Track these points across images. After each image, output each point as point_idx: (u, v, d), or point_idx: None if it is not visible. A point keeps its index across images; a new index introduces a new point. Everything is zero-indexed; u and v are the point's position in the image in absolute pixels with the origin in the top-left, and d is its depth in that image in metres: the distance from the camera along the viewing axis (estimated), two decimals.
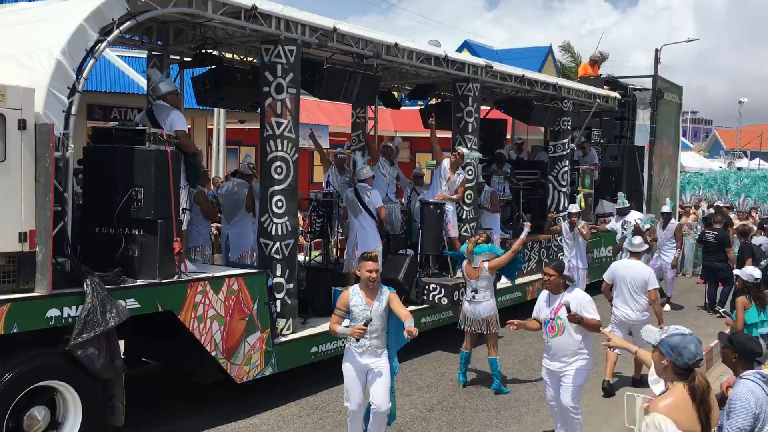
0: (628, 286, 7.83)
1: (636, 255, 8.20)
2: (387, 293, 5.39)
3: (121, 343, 7.20)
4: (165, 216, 5.98)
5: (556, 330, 5.74)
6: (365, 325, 5.17)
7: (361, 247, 8.72)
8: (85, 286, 5.28)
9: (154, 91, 6.99)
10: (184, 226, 6.93)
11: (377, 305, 5.33)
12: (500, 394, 7.61)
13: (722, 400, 5.12)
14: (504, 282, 9.45)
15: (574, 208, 11.13)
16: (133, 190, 5.89)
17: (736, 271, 7.70)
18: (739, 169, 37.90)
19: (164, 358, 7.47)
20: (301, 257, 9.82)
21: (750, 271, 7.39)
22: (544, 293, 6.01)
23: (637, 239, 8.52)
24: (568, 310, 5.58)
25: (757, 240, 12.41)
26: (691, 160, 34.90)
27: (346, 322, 5.38)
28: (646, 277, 7.81)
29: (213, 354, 6.39)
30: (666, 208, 11.98)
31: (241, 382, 6.67)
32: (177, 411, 6.78)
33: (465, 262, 7.80)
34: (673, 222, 12.05)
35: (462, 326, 7.84)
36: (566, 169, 12.37)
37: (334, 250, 10.27)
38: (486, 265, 7.58)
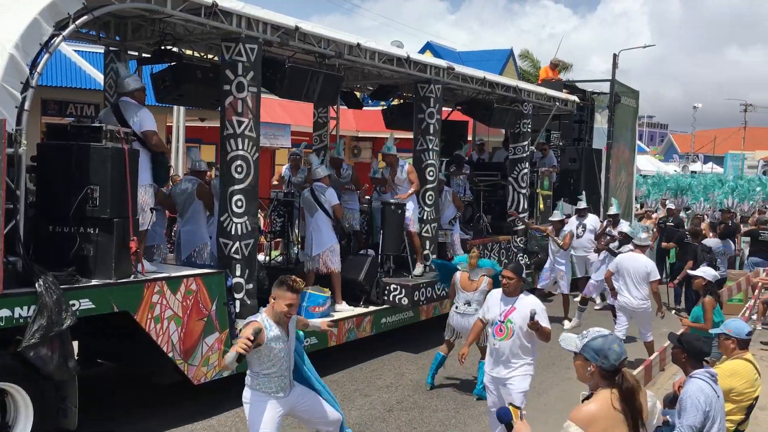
0: (631, 276, 8.67)
1: (641, 248, 8.96)
2: (295, 317, 4.64)
3: (75, 344, 7.08)
4: (121, 215, 5.88)
5: (504, 333, 5.56)
6: (254, 337, 4.18)
7: (316, 246, 8.69)
8: (37, 286, 5.15)
9: (120, 86, 6.85)
10: (148, 226, 6.81)
11: (292, 334, 4.59)
12: (482, 399, 7.54)
13: (674, 399, 5.25)
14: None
15: (556, 216, 11.39)
16: (89, 188, 5.78)
17: (696, 272, 7.87)
18: (693, 172, 38.89)
19: (120, 359, 7.34)
20: (261, 257, 9.76)
21: (712, 272, 7.65)
22: (497, 293, 5.86)
23: (644, 234, 9.22)
24: (532, 317, 5.41)
25: (709, 242, 12.70)
26: (646, 163, 35.68)
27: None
28: (649, 270, 8.67)
29: (170, 355, 6.30)
30: (613, 210, 12.25)
31: (199, 383, 6.59)
32: (133, 413, 6.67)
33: (459, 273, 7.69)
34: (623, 222, 12.29)
35: (450, 337, 7.80)
36: (526, 170, 12.51)
37: (295, 249, 10.22)
38: (486, 279, 7.51)
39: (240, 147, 7.13)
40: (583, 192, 13.00)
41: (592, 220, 12.12)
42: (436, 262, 8.96)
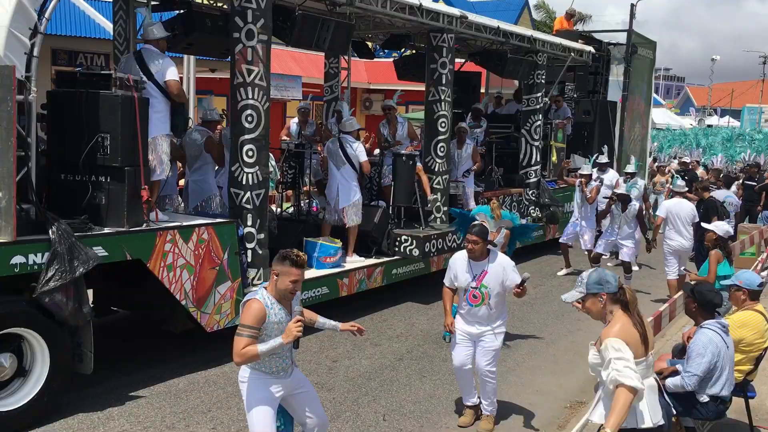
0: (681, 220, 9.45)
1: (680, 194, 9.81)
2: (300, 307, 4.24)
3: (90, 292, 7.18)
4: (132, 163, 5.88)
5: (480, 299, 5.38)
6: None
7: (342, 200, 8.67)
8: (51, 233, 5.19)
9: (145, 33, 6.78)
10: (163, 176, 6.81)
11: (295, 311, 4.18)
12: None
13: (683, 349, 5.27)
14: None
15: (585, 170, 11.33)
16: (99, 137, 5.77)
17: (708, 225, 7.87)
18: (709, 126, 38.35)
19: (134, 307, 7.43)
20: (272, 208, 9.79)
21: (724, 227, 7.63)
22: (462, 258, 5.53)
23: (681, 181, 10.10)
24: (523, 283, 5.31)
25: (717, 194, 12.62)
26: (662, 116, 35.17)
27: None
28: (694, 212, 9.56)
29: (183, 303, 6.37)
30: (630, 168, 12.14)
31: (212, 330, 6.68)
32: (147, 359, 6.78)
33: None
34: (640, 182, 12.17)
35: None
36: (539, 123, 12.37)
37: (306, 201, 10.23)
38: (504, 231, 7.50)
39: (250, 96, 7.06)
40: (605, 146, 12.88)
41: (611, 176, 12.02)
42: (455, 212, 8.90)
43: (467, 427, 5.70)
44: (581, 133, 14.62)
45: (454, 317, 5.70)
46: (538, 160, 12.41)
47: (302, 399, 4.30)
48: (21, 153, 5.20)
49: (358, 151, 8.63)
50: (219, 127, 8.52)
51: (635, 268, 11.54)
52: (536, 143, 12.38)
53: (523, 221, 9.91)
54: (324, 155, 8.95)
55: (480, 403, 5.72)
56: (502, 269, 5.38)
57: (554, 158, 13.13)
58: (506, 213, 7.86)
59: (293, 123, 11.46)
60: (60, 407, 5.48)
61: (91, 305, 6.53)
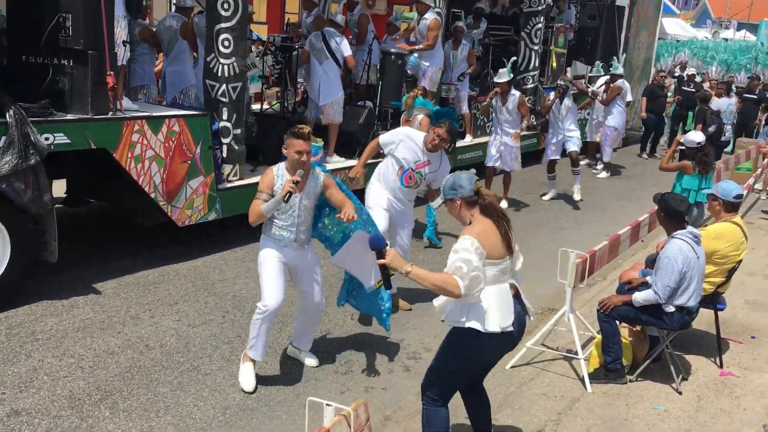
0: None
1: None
2: (322, 176, 4.46)
3: (63, 182, 7.06)
4: (96, 47, 5.59)
5: (413, 182, 5.73)
6: (295, 184, 4.22)
7: (323, 97, 8.38)
8: (7, 116, 5.00)
9: None
10: (124, 61, 6.55)
11: (309, 188, 4.41)
12: (434, 244, 7.68)
13: (655, 260, 5.16)
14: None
15: (503, 77, 8.99)
16: (61, 16, 5.47)
17: (680, 138, 7.74)
18: (725, 39, 37.11)
19: (108, 199, 7.32)
20: (257, 106, 9.52)
21: (692, 137, 7.39)
22: (419, 138, 5.70)
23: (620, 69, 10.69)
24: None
25: (716, 104, 12.40)
26: (674, 26, 33.93)
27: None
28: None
29: (152, 196, 6.24)
30: (619, 70, 11.87)
31: (183, 225, 6.58)
32: (118, 251, 6.70)
33: (403, 116, 7.71)
34: (620, 82, 11.87)
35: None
36: (540, 26, 11.85)
37: (293, 98, 9.92)
38: (420, 117, 7.47)
39: None
40: (617, 57, 12.55)
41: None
42: (394, 104, 8.71)
43: None
44: (585, 39, 14.04)
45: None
46: (537, 65, 11.98)
47: (301, 276, 4.60)
48: None
49: (342, 45, 8.26)
50: (195, 11, 8.12)
51: (584, 162, 11.54)
52: (536, 47, 11.91)
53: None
54: (306, 49, 8.57)
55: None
56: (443, 169, 5.65)
57: (554, 64, 12.68)
58: (421, 100, 7.68)
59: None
60: (24, 294, 5.44)
61: (63, 195, 6.42)
